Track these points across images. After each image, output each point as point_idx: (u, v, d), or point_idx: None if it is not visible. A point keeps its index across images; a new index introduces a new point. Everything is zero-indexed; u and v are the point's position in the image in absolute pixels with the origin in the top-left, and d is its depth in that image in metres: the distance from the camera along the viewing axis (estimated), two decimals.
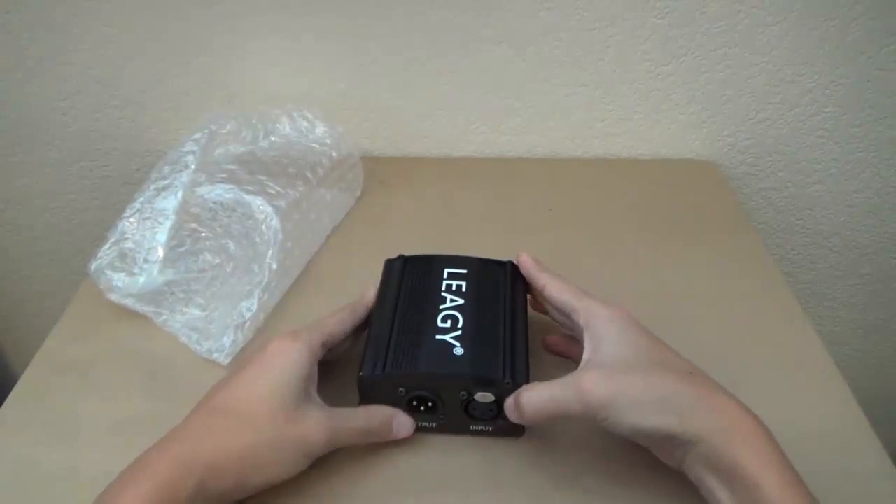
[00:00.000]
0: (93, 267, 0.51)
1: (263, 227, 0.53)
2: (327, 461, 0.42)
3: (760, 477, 0.33)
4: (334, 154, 0.61)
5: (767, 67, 0.65)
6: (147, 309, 0.52)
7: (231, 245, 0.53)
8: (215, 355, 0.48)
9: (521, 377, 0.40)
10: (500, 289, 0.46)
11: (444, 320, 0.42)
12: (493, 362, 0.41)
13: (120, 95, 0.68)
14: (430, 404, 0.42)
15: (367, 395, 0.42)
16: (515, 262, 0.47)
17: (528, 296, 0.47)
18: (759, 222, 0.76)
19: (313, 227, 0.59)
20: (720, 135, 0.70)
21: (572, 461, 0.42)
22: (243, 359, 0.47)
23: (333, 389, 0.46)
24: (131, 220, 0.52)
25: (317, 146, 0.61)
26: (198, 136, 0.56)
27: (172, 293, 0.52)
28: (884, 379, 0.90)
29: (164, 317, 0.51)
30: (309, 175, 0.58)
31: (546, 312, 0.46)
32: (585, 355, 0.39)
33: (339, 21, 0.63)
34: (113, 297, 0.51)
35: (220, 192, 0.54)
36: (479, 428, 0.42)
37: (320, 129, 0.62)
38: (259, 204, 0.54)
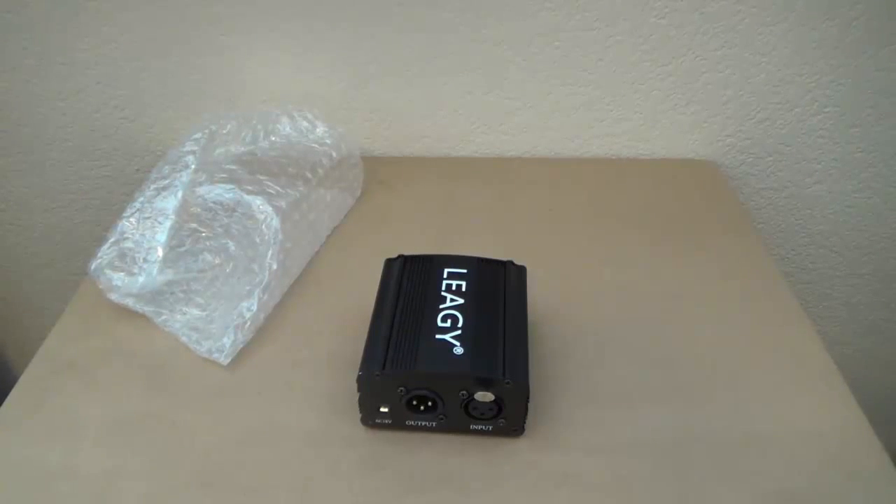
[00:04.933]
0: (93, 267, 0.51)
1: (263, 227, 0.53)
2: (327, 459, 0.42)
3: None
4: (334, 154, 0.61)
5: (767, 67, 0.65)
6: (147, 309, 0.52)
7: (231, 245, 0.53)
8: (215, 355, 0.48)
9: (520, 377, 0.40)
10: (500, 288, 0.46)
11: (443, 320, 0.42)
12: (493, 362, 0.41)
13: (120, 95, 0.68)
14: (429, 404, 0.42)
15: (367, 395, 0.42)
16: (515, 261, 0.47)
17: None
18: (759, 222, 0.76)
19: (313, 227, 0.59)
20: (720, 135, 0.70)
21: (572, 461, 0.42)
22: None
23: (334, 389, 0.46)
24: (131, 220, 0.52)
25: (317, 146, 0.61)
26: (198, 136, 0.56)
27: (172, 293, 0.52)
28: (884, 379, 0.90)
29: (164, 317, 0.51)
30: (309, 175, 0.58)
31: None
32: None
33: (339, 21, 0.63)
34: (113, 296, 0.51)
35: (220, 192, 0.54)
36: (479, 428, 0.42)
37: (320, 130, 0.62)
38: (259, 204, 0.54)
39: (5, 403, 0.46)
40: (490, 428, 0.42)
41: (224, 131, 0.58)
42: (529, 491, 0.40)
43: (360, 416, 0.43)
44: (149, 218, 0.52)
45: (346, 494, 0.40)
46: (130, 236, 0.52)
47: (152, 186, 0.53)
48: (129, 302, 0.52)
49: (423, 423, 0.43)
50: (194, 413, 0.45)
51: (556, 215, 0.63)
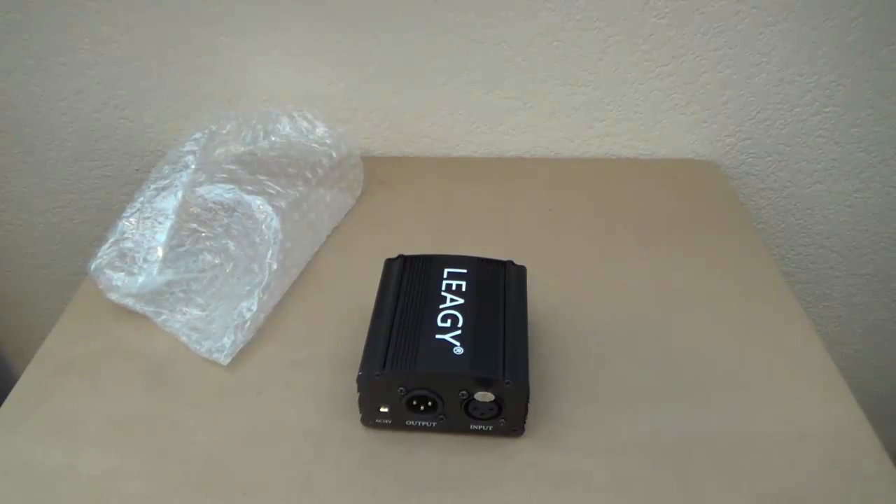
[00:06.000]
0: (93, 266, 0.51)
1: (263, 227, 0.53)
2: (327, 459, 0.42)
3: None
4: (334, 154, 0.61)
5: (767, 67, 0.65)
6: (147, 309, 0.52)
7: (231, 245, 0.53)
8: (215, 355, 0.48)
9: (520, 377, 0.40)
10: (500, 288, 0.46)
11: (443, 320, 0.42)
12: (493, 362, 0.41)
13: (120, 95, 0.68)
14: (429, 404, 0.42)
15: (367, 395, 0.42)
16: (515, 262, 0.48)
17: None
18: (759, 222, 0.76)
19: (313, 227, 0.59)
20: (720, 135, 0.70)
21: (572, 461, 0.42)
22: None
23: (334, 389, 0.46)
24: (131, 219, 0.52)
25: (317, 146, 0.61)
26: (198, 136, 0.56)
27: (172, 293, 0.52)
28: (884, 379, 0.90)
29: (164, 317, 0.51)
30: (309, 175, 0.58)
31: None
32: None
33: (339, 21, 0.63)
34: (113, 296, 0.51)
35: (220, 192, 0.54)
36: (479, 428, 0.42)
37: (320, 130, 0.62)
38: (259, 204, 0.54)
39: (5, 403, 0.46)
40: (490, 428, 0.42)
41: (224, 131, 0.58)
42: (529, 491, 0.40)
43: (360, 416, 0.43)
44: (149, 218, 0.52)
45: (346, 494, 0.40)
46: (130, 236, 0.52)
47: (152, 186, 0.53)
48: (129, 302, 0.52)
49: (423, 423, 0.43)
50: (194, 413, 0.45)
51: (556, 215, 0.63)
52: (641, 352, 0.49)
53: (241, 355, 0.49)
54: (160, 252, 0.50)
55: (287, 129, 0.62)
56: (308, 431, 0.44)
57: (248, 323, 0.50)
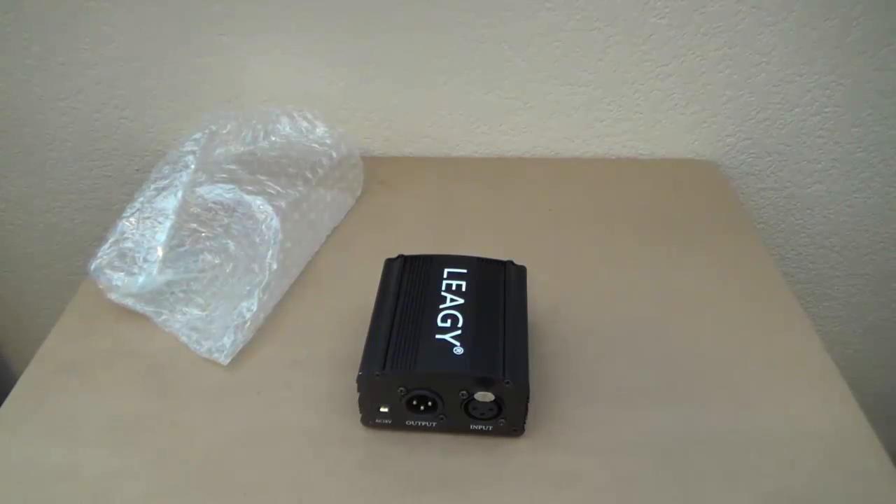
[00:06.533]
0: (93, 267, 0.51)
1: (263, 227, 0.53)
2: (327, 459, 0.42)
3: None
4: (334, 154, 0.61)
5: (767, 67, 0.65)
6: (147, 309, 0.52)
7: (231, 245, 0.53)
8: (215, 355, 0.48)
9: (520, 377, 0.40)
10: (500, 288, 0.46)
11: (443, 320, 0.42)
12: (493, 362, 0.41)
13: (120, 95, 0.68)
14: (429, 404, 0.42)
15: (367, 395, 0.42)
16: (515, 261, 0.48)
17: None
18: (759, 222, 0.76)
19: (313, 227, 0.59)
20: (720, 135, 0.70)
21: (572, 461, 0.42)
22: None
23: (334, 389, 0.46)
24: (131, 219, 0.52)
25: (317, 146, 0.61)
26: (198, 136, 0.56)
27: (172, 293, 0.52)
28: (884, 379, 0.90)
29: (164, 317, 0.51)
30: (309, 175, 0.58)
31: None
32: None
33: (339, 21, 0.63)
34: (113, 296, 0.51)
35: (220, 192, 0.54)
36: (479, 427, 0.42)
37: (320, 130, 0.62)
38: (259, 204, 0.54)
39: (5, 403, 0.46)
40: (490, 428, 0.42)
41: (224, 131, 0.58)
42: (529, 491, 0.40)
43: (360, 416, 0.43)
44: (149, 218, 0.52)
45: (346, 494, 0.40)
46: (130, 236, 0.52)
47: (152, 186, 0.53)
48: (129, 302, 0.52)
49: (423, 423, 0.43)
50: (194, 413, 0.45)
51: (556, 215, 0.63)
52: (641, 352, 0.49)
53: (241, 355, 0.49)
54: (160, 252, 0.50)
55: (287, 129, 0.62)
56: (308, 431, 0.44)
57: (248, 323, 0.50)
